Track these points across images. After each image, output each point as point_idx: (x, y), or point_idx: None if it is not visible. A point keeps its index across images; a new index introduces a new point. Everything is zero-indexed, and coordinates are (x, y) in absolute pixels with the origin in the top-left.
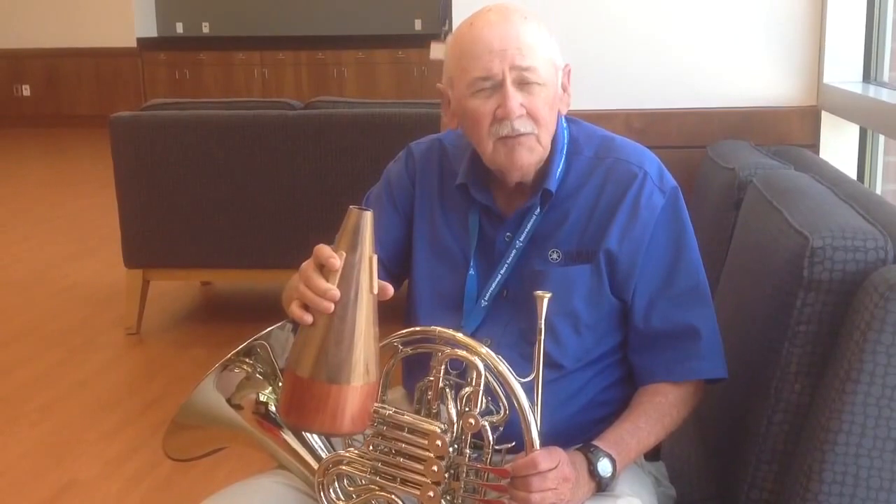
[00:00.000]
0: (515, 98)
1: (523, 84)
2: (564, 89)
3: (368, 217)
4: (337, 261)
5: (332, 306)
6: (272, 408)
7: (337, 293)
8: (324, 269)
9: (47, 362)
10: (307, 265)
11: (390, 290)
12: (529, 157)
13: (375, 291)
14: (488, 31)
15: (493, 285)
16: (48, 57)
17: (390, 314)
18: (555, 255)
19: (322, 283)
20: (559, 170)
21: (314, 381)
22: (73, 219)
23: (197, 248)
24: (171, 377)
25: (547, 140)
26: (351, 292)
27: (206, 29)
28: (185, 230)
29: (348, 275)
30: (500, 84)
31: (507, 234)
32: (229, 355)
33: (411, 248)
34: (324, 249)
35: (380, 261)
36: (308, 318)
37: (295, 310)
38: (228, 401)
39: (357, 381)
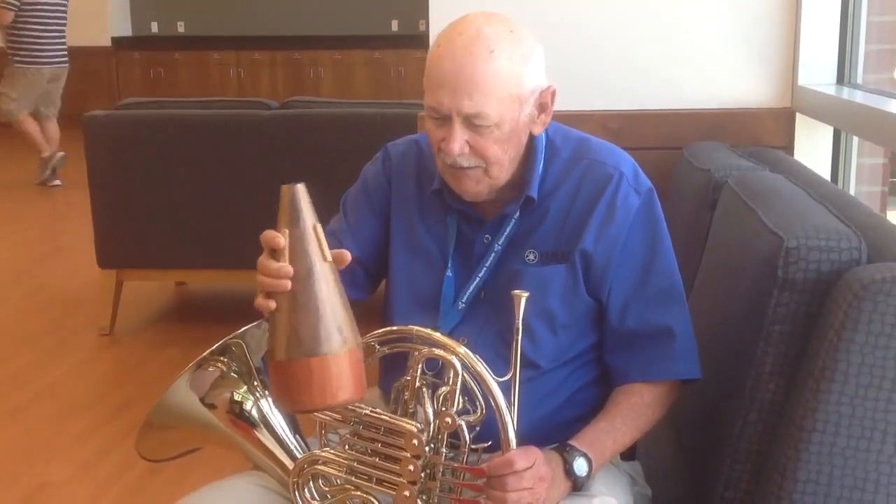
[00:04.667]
0: (459, 138)
1: (472, 125)
2: (543, 110)
3: (300, 189)
4: (281, 239)
5: (288, 283)
6: (246, 407)
7: (289, 269)
8: (275, 253)
9: (19, 364)
10: (261, 256)
11: (347, 255)
12: (476, 186)
13: (329, 259)
14: (447, 62)
15: (471, 288)
16: None
17: (368, 314)
18: (531, 256)
19: (272, 264)
20: (539, 174)
21: (292, 360)
22: (46, 219)
23: (171, 249)
24: (144, 378)
25: (498, 172)
26: (304, 265)
27: (181, 28)
28: (160, 230)
29: (296, 249)
30: (448, 119)
31: (486, 236)
32: (204, 354)
33: (389, 248)
34: (268, 233)
35: (358, 261)
36: (272, 304)
37: (259, 301)
38: (202, 400)
39: (335, 349)
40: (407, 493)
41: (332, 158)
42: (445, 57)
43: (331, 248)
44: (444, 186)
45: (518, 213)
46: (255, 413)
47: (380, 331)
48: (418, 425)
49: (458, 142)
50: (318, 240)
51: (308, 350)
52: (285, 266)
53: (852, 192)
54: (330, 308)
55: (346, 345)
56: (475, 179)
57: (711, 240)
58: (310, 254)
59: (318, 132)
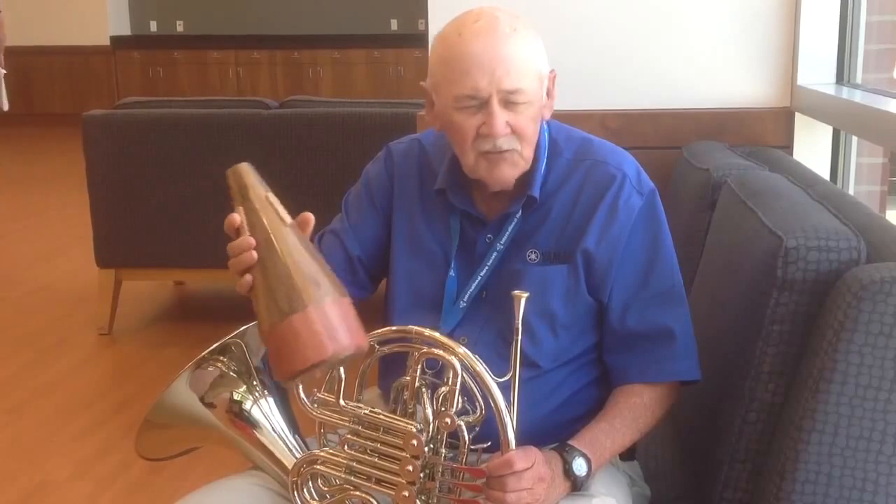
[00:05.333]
0: (501, 118)
1: (510, 103)
2: (549, 95)
3: (243, 167)
4: (236, 217)
5: (253, 254)
6: (246, 406)
7: (249, 240)
8: (237, 233)
9: (18, 363)
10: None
11: (311, 217)
12: (512, 171)
13: (288, 222)
14: (476, 46)
15: (473, 287)
16: (21, 55)
17: (368, 314)
18: (533, 256)
19: (234, 242)
20: (541, 174)
21: (277, 325)
22: (45, 218)
23: (170, 248)
24: (143, 378)
25: (529, 153)
26: (262, 233)
27: (180, 27)
28: (158, 230)
29: (252, 221)
30: (486, 102)
31: (489, 236)
32: (203, 353)
33: (390, 247)
34: (226, 219)
35: (359, 260)
36: (248, 279)
37: (238, 283)
38: (201, 399)
39: (314, 302)
40: (406, 493)
41: (332, 158)
42: (472, 41)
43: (332, 247)
44: (448, 185)
45: (520, 213)
46: (254, 412)
47: (380, 330)
48: (417, 425)
49: (501, 120)
50: (273, 207)
51: (287, 309)
52: (245, 238)
53: (851, 191)
54: (299, 265)
55: (326, 296)
56: (511, 163)
57: (710, 240)
58: (266, 221)
59: (318, 132)
